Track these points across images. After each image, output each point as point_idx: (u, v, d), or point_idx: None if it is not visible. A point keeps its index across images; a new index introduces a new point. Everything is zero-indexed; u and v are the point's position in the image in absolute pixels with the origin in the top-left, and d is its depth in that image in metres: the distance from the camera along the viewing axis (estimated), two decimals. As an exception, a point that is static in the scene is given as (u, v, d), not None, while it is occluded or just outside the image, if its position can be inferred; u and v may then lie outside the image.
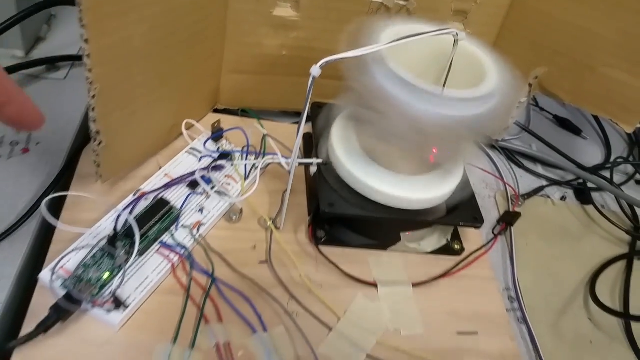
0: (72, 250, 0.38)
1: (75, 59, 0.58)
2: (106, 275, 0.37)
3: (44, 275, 0.36)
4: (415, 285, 0.45)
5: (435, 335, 0.42)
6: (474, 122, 0.37)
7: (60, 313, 0.34)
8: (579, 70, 0.53)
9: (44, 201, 0.37)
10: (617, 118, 0.52)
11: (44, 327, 0.33)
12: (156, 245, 0.40)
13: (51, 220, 0.36)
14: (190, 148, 0.48)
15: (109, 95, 0.38)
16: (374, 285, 0.44)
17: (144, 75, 0.41)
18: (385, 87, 0.37)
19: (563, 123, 0.72)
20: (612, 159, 0.68)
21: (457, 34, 0.39)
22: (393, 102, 0.37)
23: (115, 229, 0.39)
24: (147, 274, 0.38)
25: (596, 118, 0.74)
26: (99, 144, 0.39)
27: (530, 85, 0.55)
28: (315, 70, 0.33)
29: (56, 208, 0.43)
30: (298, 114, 0.59)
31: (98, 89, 0.36)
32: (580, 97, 0.54)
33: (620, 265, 0.55)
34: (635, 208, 0.61)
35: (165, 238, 0.41)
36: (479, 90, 0.38)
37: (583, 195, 0.62)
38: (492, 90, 0.38)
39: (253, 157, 0.48)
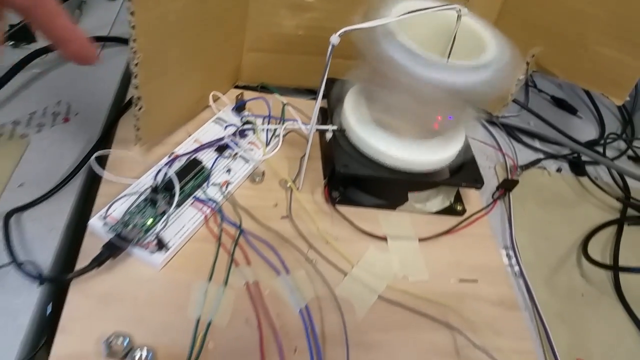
0: (117, 200, 0.42)
1: (106, 40, 0.63)
2: (149, 221, 0.41)
3: (94, 222, 0.41)
4: (421, 240, 0.50)
5: (439, 281, 0.47)
6: (476, 88, 0.42)
7: (112, 250, 0.38)
8: (572, 49, 0.57)
9: (93, 156, 0.42)
10: (608, 92, 0.57)
11: (98, 262, 0.38)
12: (190, 200, 0.45)
13: (99, 171, 0.41)
14: (217, 118, 0.53)
15: (149, 64, 0.42)
16: (384, 239, 0.49)
17: (177, 49, 0.45)
18: (394, 57, 0.42)
19: (560, 103, 0.76)
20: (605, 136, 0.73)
21: (460, 9, 0.44)
22: (401, 71, 0.41)
23: (156, 182, 0.44)
24: (184, 222, 0.43)
25: (591, 99, 0.78)
26: (140, 108, 0.44)
27: (527, 63, 0.60)
28: (335, 39, 0.38)
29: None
30: (311, 92, 0.64)
31: (140, 57, 0.41)
32: (574, 74, 0.59)
33: (611, 229, 0.59)
34: (626, 178, 0.65)
35: (198, 193, 0.45)
36: (479, 60, 0.42)
37: (577, 167, 0.66)
38: (491, 60, 0.43)
39: (273, 124, 0.53)
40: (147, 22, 0.40)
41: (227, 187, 0.47)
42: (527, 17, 0.59)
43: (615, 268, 0.54)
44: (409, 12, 0.41)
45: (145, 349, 0.36)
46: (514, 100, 0.71)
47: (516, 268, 0.52)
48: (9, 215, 0.42)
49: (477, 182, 0.50)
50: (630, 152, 0.72)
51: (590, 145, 0.70)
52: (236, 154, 0.50)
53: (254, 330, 0.40)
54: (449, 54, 0.48)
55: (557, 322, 0.48)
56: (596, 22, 0.55)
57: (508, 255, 0.53)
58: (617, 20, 0.54)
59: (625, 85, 0.56)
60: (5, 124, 0.51)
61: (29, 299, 0.39)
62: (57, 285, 0.40)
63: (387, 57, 0.42)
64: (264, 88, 0.59)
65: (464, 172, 0.50)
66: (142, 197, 0.43)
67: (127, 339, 0.36)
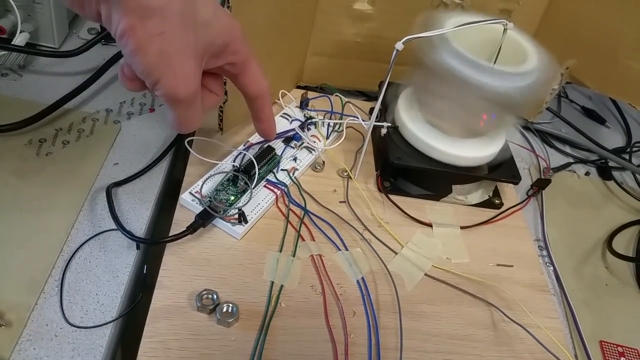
0: (206, 180, 0.49)
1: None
2: (232, 198, 0.48)
3: (185, 196, 0.48)
4: (462, 228, 0.56)
5: (478, 264, 0.53)
6: (518, 92, 0.48)
7: (205, 219, 0.45)
8: (603, 62, 0.63)
9: (187, 140, 0.48)
10: (635, 102, 0.63)
11: (192, 228, 0.45)
12: (263, 182, 0.51)
13: (192, 151, 0.48)
14: (283, 113, 0.59)
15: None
16: (430, 225, 0.55)
17: (258, 50, 0.52)
18: (449, 61, 0.48)
19: (589, 113, 0.82)
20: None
21: (506, 23, 0.50)
22: (455, 73, 0.48)
23: (237, 165, 0.51)
24: (259, 201, 0.50)
25: (619, 110, 0.84)
26: (225, 101, 0.51)
27: (561, 74, 0.66)
28: (399, 45, 0.45)
29: (183, 154, 0.55)
30: (363, 94, 0.70)
31: (230, 57, 0.48)
32: (604, 85, 0.64)
33: (635, 228, 0.65)
34: (651, 184, 0.70)
35: (270, 177, 0.52)
36: (522, 67, 0.49)
37: (605, 172, 0.71)
38: (533, 68, 0.49)
39: (334, 120, 0.60)
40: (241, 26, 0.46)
41: (294, 172, 0.53)
42: (563, 32, 0.64)
43: (638, 259, 0.59)
44: (463, 24, 0.47)
45: (230, 304, 0.42)
46: (548, 109, 0.77)
47: (546, 258, 0.57)
48: (109, 188, 0.49)
49: (514, 177, 0.56)
50: (655, 160, 0.77)
51: (618, 152, 0.75)
52: (301, 144, 0.56)
53: (318, 295, 0.46)
54: (495, 61, 0.54)
55: (582, 307, 0.53)
56: (626, 38, 0.61)
57: (539, 247, 0.59)
58: (646, 36, 0.60)
59: (651, 96, 0.62)
60: (99, 110, 0.58)
61: (127, 259, 0.46)
62: (153, 248, 0.47)
63: (443, 61, 0.48)
64: (322, 89, 0.66)
65: (503, 168, 0.56)
66: (226, 177, 0.49)
67: (215, 295, 0.43)
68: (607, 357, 0.49)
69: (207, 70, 0.39)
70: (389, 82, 0.58)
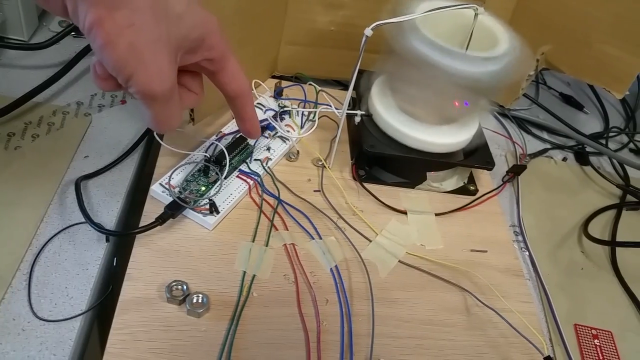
0: (176, 169, 0.49)
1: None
2: (203, 188, 0.48)
3: (155, 187, 0.48)
4: (437, 215, 0.56)
5: (452, 250, 0.53)
6: (488, 77, 0.48)
7: (174, 210, 0.45)
8: (578, 47, 0.63)
9: (155, 131, 0.48)
10: (610, 87, 0.63)
11: (161, 219, 0.44)
12: (236, 172, 0.51)
13: (162, 142, 0.48)
14: (257, 103, 0.59)
15: (204, 52, 0.48)
16: (404, 213, 0.55)
17: (229, 39, 0.51)
18: (418, 48, 0.48)
19: (567, 99, 0.82)
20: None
21: (477, 8, 0.50)
22: (424, 59, 0.47)
23: (209, 155, 0.50)
24: (231, 191, 0.49)
25: (597, 96, 0.84)
26: (194, 91, 0.50)
27: (537, 60, 0.66)
28: (368, 31, 0.44)
29: (156, 147, 0.54)
30: (339, 83, 0.70)
31: (198, 46, 0.47)
32: (579, 70, 0.64)
33: (611, 213, 0.65)
34: (627, 168, 0.71)
35: (243, 167, 0.52)
36: (492, 52, 0.48)
37: (582, 158, 0.72)
38: (503, 53, 0.49)
39: (308, 110, 0.59)
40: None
41: (267, 162, 0.53)
42: (538, 18, 0.64)
43: (613, 243, 0.59)
44: (433, 10, 0.47)
45: (200, 295, 0.42)
46: (525, 95, 0.77)
47: (522, 243, 0.58)
48: (78, 182, 0.49)
49: (488, 163, 0.56)
50: (632, 145, 0.77)
51: (595, 138, 0.75)
52: (275, 134, 0.56)
53: (291, 284, 0.46)
54: (467, 47, 0.54)
55: (557, 291, 0.54)
56: (600, 23, 0.61)
57: (515, 232, 0.59)
58: (619, 21, 0.60)
59: (625, 81, 0.62)
60: (70, 103, 0.57)
61: (97, 252, 0.45)
62: (123, 240, 0.47)
63: (413, 47, 0.48)
64: (298, 78, 0.65)
65: (477, 154, 0.56)
66: (197, 168, 0.49)
67: (185, 286, 0.42)
68: (580, 340, 0.50)
69: (184, 68, 0.37)
70: (363, 70, 0.58)
